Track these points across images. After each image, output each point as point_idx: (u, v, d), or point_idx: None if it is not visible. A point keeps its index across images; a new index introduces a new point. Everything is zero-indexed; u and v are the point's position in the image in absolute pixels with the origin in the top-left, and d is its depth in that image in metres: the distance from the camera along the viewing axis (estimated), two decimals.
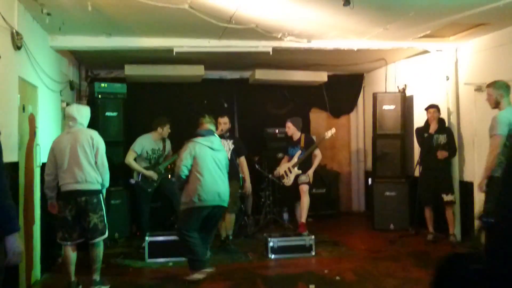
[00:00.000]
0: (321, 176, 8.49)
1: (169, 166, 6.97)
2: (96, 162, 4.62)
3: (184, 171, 4.96)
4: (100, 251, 4.67)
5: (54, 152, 4.64)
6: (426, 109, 6.76)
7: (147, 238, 5.82)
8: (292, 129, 6.85)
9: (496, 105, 4.93)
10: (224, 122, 6.52)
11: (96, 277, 4.69)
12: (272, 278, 5.32)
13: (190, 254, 4.93)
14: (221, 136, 6.22)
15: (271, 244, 5.88)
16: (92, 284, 4.66)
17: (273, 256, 5.86)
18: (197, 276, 4.88)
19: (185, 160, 4.96)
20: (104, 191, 4.78)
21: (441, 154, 6.48)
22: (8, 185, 2.64)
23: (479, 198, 6.30)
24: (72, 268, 4.63)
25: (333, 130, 6.86)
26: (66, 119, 4.80)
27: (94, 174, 4.60)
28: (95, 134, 4.72)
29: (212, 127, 5.42)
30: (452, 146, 6.55)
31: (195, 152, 5.00)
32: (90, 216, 4.55)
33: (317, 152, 6.78)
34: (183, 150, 5.07)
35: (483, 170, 4.91)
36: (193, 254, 4.91)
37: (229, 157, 6.00)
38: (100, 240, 4.65)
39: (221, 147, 5.31)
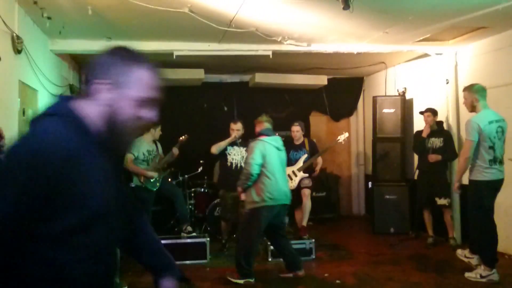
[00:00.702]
0: (321, 180, 8.48)
1: (172, 168, 7.00)
2: None
3: (257, 170, 4.95)
4: (117, 254, 4.69)
5: None
6: (421, 113, 6.76)
7: None
8: (300, 133, 6.85)
9: (472, 109, 4.97)
10: (238, 128, 6.18)
11: (116, 279, 4.72)
12: (272, 282, 5.30)
13: (250, 259, 4.97)
14: (233, 143, 6.19)
15: (271, 247, 5.87)
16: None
17: (272, 260, 5.85)
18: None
19: (258, 159, 4.96)
20: None
21: (431, 158, 6.46)
22: None
23: None
24: None
25: (346, 134, 6.91)
26: None
27: None
28: None
29: (270, 126, 5.40)
30: (449, 150, 6.48)
31: (266, 151, 5.03)
32: None
33: (319, 157, 6.82)
34: (253, 149, 5.03)
35: (456, 172, 5.03)
36: (250, 260, 4.96)
37: (242, 166, 5.75)
38: None
39: (283, 147, 5.33)
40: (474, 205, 4.91)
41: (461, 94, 6.62)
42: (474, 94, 4.92)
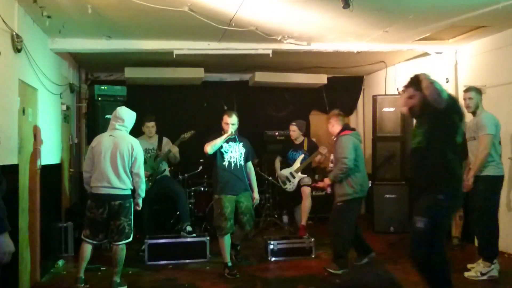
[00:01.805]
0: (321, 179, 8.46)
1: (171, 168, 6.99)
2: (131, 171, 4.70)
3: (352, 164, 5.20)
4: (123, 254, 4.75)
5: (93, 151, 4.75)
6: None
7: (146, 240, 5.82)
8: (297, 132, 6.83)
9: (476, 109, 5.05)
10: (233, 122, 5.36)
11: (117, 279, 4.76)
12: (272, 281, 5.31)
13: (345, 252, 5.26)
14: (229, 139, 5.35)
15: (271, 246, 5.87)
16: (112, 285, 4.73)
17: (273, 259, 5.86)
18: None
19: (353, 153, 5.21)
20: (140, 201, 4.83)
21: None
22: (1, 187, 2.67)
23: None
24: (84, 265, 4.72)
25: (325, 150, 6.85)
26: (113, 119, 4.85)
27: (128, 180, 4.69)
28: (135, 143, 4.77)
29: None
30: (462, 149, 6.36)
31: (356, 145, 5.30)
32: (121, 220, 4.65)
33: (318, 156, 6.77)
34: (345, 144, 5.23)
35: (473, 169, 5.01)
36: (347, 251, 5.26)
37: (241, 163, 5.38)
38: (124, 243, 4.72)
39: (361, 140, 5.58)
40: (487, 201, 4.94)
41: (461, 93, 6.62)
42: (480, 95, 5.07)
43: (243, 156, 5.40)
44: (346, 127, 5.48)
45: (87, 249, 4.71)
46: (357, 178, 5.23)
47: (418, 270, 3.63)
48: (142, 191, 4.78)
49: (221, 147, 5.30)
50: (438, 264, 3.54)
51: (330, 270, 5.15)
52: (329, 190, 5.45)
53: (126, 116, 4.82)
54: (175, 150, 6.57)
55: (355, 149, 5.25)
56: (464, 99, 5.12)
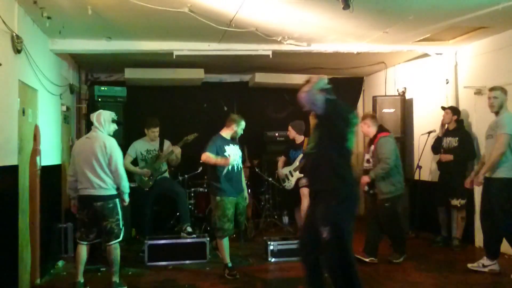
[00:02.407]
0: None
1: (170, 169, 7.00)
2: (110, 169, 4.67)
3: (394, 164, 5.56)
4: (117, 254, 4.74)
5: (73, 154, 4.83)
6: (443, 108, 6.58)
7: (146, 241, 5.82)
8: (292, 133, 6.85)
9: (499, 109, 5.00)
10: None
11: (116, 279, 4.77)
12: (272, 282, 5.31)
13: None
14: (230, 142, 5.39)
15: (271, 247, 5.87)
16: (112, 286, 4.73)
17: (273, 260, 5.85)
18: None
19: (394, 154, 5.60)
20: (126, 197, 4.80)
21: (443, 158, 6.42)
22: None
23: (479, 201, 6.31)
24: (81, 268, 4.71)
25: None
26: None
27: (109, 180, 4.67)
28: (108, 141, 4.73)
29: None
30: (465, 149, 6.23)
31: (395, 146, 5.74)
32: (106, 221, 4.65)
33: None
34: (386, 145, 5.59)
35: (486, 166, 4.99)
36: (405, 241, 5.83)
37: (240, 165, 5.46)
38: (115, 243, 4.71)
39: None
40: (502, 203, 4.90)
41: (461, 94, 6.69)
42: (505, 95, 5.03)
43: (241, 158, 5.48)
44: (382, 129, 5.84)
45: (82, 251, 4.72)
46: (397, 177, 5.64)
47: (331, 277, 3.58)
48: (124, 188, 4.73)
49: (224, 150, 5.26)
50: (350, 267, 3.51)
51: (394, 260, 5.64)
52: (366, 188, 5.74)
53: (95, 119, 4.81)
54: (178, 151, 6.59)
55: (395, 149, 5.65)
56: (489, 97, 5.07)
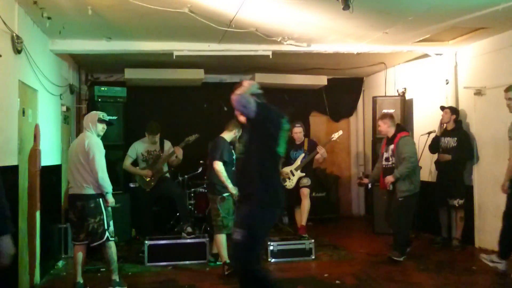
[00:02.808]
0: (321, 180, 8.48)
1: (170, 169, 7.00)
2: (91, 169, 4.62)
3: (417, 163, 5.85)
4: (112, 252, 4.73)
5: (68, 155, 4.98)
6: (442, 108, 6.58)
7: (146, 242, 5.82)
8: (302, 134, 6.87)
9: None
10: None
11: (115, 277, 4.76)
12: None
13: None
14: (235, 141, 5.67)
15: (271, 247, 5.86)
16: (111, 285, 4.73)
17: (273, 260, 5.85)
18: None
19: (416, 153, 5.86)
20: (109, 197, 4.72)
21: (441, 157, 6.44)
22: (2, 186, 2.62)
23: (478, 201, 6.32)
24: (79, 268, 4.71)
25: (340, 132, 6.91)
26: None
27: (91, 179, 4.62)
28: (90, 139, 4.67)
29: None
30: (464, 149, 6.25)
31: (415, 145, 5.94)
32: (88, 220, 4.62)
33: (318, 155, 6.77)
34: (408, 144, 5.77)
35: (506, 171, 4.97)
36: (408, 241, 5.86)
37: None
38: (99, 244, 4.66)
39: None
40: None
41: (460, 95, 6.70)
42: None
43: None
44: (402, 128, 6.02)
45: (77, 251, 4.72)
46: (416, 176, 5.79)
47: (239, 281, 3.54)
48: (105, 188, 4.65)
49: (232, 154, 5.54)
50: (257, 272, 3.45)
51: (394, 258, 5.65)
52: (390, 187, 5.85)
53: (86, 120, 4.86)
54: (179, 152, 6.60)
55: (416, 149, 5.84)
56: (509, 98, 5.00)
